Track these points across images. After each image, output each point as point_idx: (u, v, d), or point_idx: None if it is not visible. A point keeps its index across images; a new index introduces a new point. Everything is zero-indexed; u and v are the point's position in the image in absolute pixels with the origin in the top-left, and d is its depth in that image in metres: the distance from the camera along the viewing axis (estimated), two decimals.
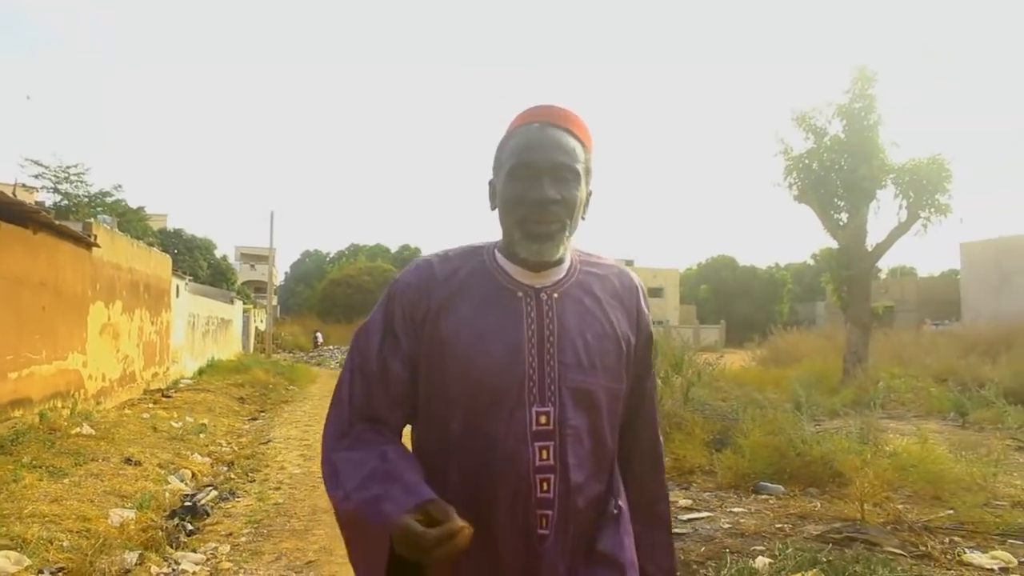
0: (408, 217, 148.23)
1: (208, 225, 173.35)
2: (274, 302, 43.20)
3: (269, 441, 10.33)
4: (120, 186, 30.07)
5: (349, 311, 48.24)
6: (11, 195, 9.47)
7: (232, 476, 7.88)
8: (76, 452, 7.52)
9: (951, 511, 5.76)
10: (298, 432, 11.22)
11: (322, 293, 56.05)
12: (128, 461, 7.56)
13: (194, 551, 5.17)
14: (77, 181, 28.08)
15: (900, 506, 5.91)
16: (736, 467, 6.96)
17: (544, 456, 1.45)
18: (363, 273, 54.53)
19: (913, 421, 11.22)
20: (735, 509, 6.10)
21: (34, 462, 6.84)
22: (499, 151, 1.58)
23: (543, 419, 1.46)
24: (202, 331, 21.55)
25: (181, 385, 16.01)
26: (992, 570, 4.45)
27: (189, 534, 5.61)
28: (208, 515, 6.14)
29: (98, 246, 11.32)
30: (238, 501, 6.79)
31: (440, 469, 1.49)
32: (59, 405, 9.58)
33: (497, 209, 1.55)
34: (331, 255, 73.29)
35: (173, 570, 4.72)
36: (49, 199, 27.08)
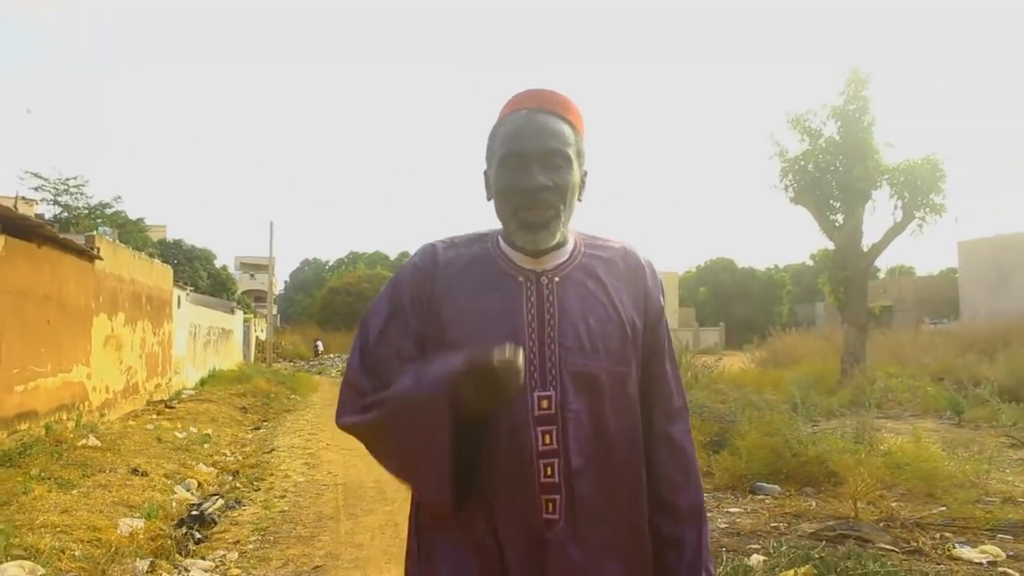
0: (407, 224, 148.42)
1: (207, 235, 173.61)
2: (274, 311, 43.31)
3: (273, 450, 10.45)
4: (120, 197, 30.27)
5: (349, 319, 48.32)
6: (12, 208, 9.58)
7: (237, 485, 7.99)
8: (83, 464, 7.63)
9: (943, 508, 5.87)
10: (301, 441, 11.33)
11: (322, 301, 56.16)
12: (135, 472, 7.68)
13: (203, 558, 5.29)
14: (77, 193, 28.26)
15: (894, 504, 6.02)
16: (733, 468, 7.07)
17: (547, 440, 1.45)
18: (362, 281, 54.62)
19: (909, 420, 11.37)
20: (732, 509, 6.22)
21: (43, 474, 6.95)
22: (490, 140, 1.58)
23: (544, 403, 1.46)
24: (203, 341, 21.65)
25: (184, 396, 16.11)
26: (981, 564, 4.57)
27: (197, 542, 5.73)
28: (215, 523, 6.26)
29: (101, 258, 11.44)
30: (244, 509, 6.90)
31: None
32: (64, 417, 9.68)
33: (492, 199, 1.56)
34: (330, 263, 73.57)
35: None
36: (49, 211, 27.23)
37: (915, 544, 4.94)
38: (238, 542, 5.77)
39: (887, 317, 40.66)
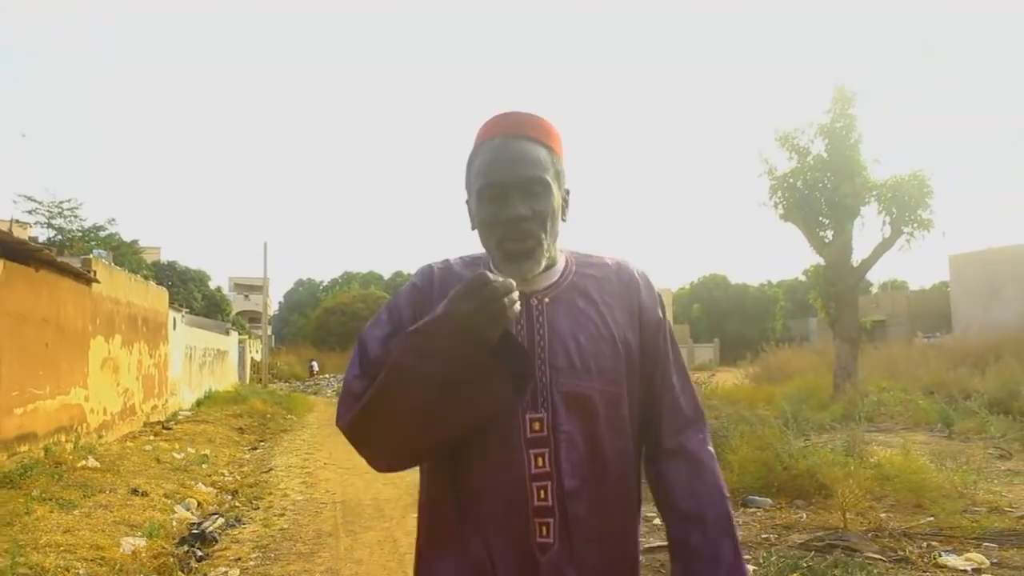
0: (401, 244, 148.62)
1: (201, 257, 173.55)
2: (269, 332, 43.32)
3: (271, 469, 10.53)
4: (114, 220, 30.45)
5: (344, 339, 48.37)
6: (10, 233, 9.69)
7: (237, 504, 8.08)
8: (83, 484, 7.71)
9: (931, 518, 6.00)
10: (299, 460, 11.41)
11: (316, 322, 56.19)
12: (135, 492, 7.76)
13: (205, 575, 5.38)
14: (71, 216, 28.35)
15: (883, 514, 6.15)
16: (726, 482, 7.16)
17: (540, 463, 1.43)
18: (357, 301, 54.72)
19: (901, 433, 11.50)
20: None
21: (43, 495, 7.03)
22: (467, 169, 1.57)
23: (536, 425, 1.44)
24: (199, 363, 21.71)
25: (180, 417, 16.16)
26: (965, 571, 4.69)
27: (199, 560, 5.83)
28: (216, 541, 6.35)
29: (98, 281, 11.54)
30: (244, 528, 7.00)
31: (435, 480, 1.53)
32: (63, 439, 9.75)
33: (476, 231, 1.56)
34: (324, 283, 73.65)
35: None
36: (43, 234, 27.31)
37: (902, 553, 5.07)
38: (239, 559, 5.87)
39: (880, 331, 40.83)
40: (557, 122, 1.58)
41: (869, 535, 5.51)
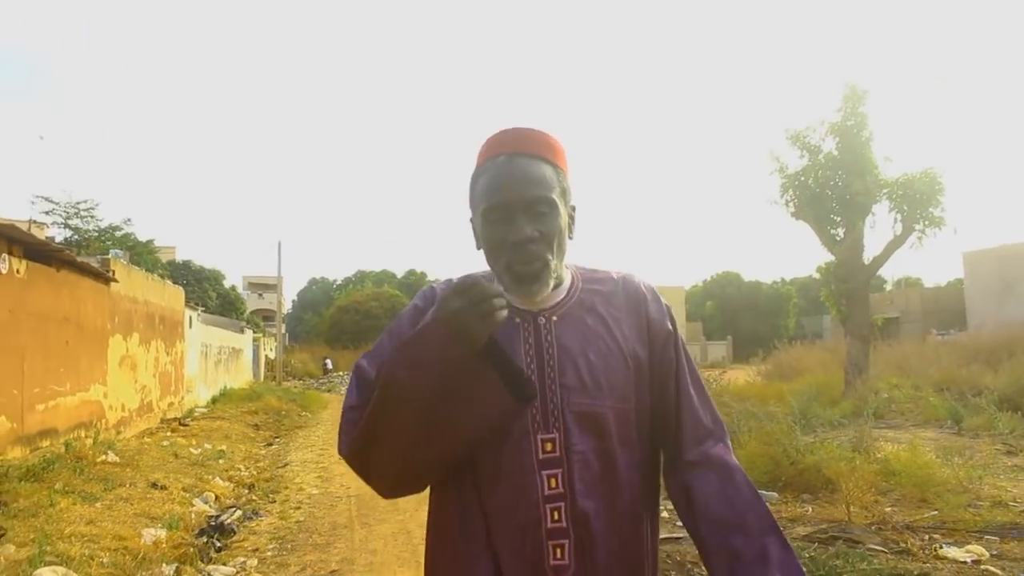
0: (414, 243, 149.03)
1: (216, 256, 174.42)
2: (283, 330, 43.63)
3: (286, 465, 10.71)
4: (130, 220, 30.72)
5: (357, 337, 48.67)
6: (33, 235, 9.89)
7: (254, 498, 8.26)
8: (104, 478, 7.89)
9: (935, 512, 6.09)
10: (314, 456, 11.59)
11: (330, 320, 56.48)
12: (154, 486, 7.95)
13: (224, 564, 5.55)
14: (87, 216, 28.67)
15: (887, 508, 6.25)
16: None
17: (553, 484, 1.41)
18: (370, 299, 54.97)
19: (910, 429, 11.56)
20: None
21: (66, 488, 7.21)
22: (471, 188, 1.54)
23: (548, 446, 1.42)
24: (214, 360, 21.95)
25: (196, 414, 16.39)
26: (965, 563, 4.79)
27: (218, 550, 6.00)
28: (235, 533, 6.53)
29: (116, 281, 11.75)
30: (261, 520, 7.16)
31: (442, 503, 1.50)
32: (83, 435, 9.96)
33: (482, 251, 1.53)
34: (338, 282, 73.97)
35: None
36: (59, 235, 27.63)
37: (904, 545, 5.17)
38: (257, 550, 6.04)
39: (894, 328, 40.68)
40: (562, 136, 1.55)
41: (872, 528, 5.61)
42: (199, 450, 10.86)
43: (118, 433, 11.42)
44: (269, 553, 5.94)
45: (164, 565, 5.16)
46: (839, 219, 17.85)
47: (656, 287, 1.64)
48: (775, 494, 7.06)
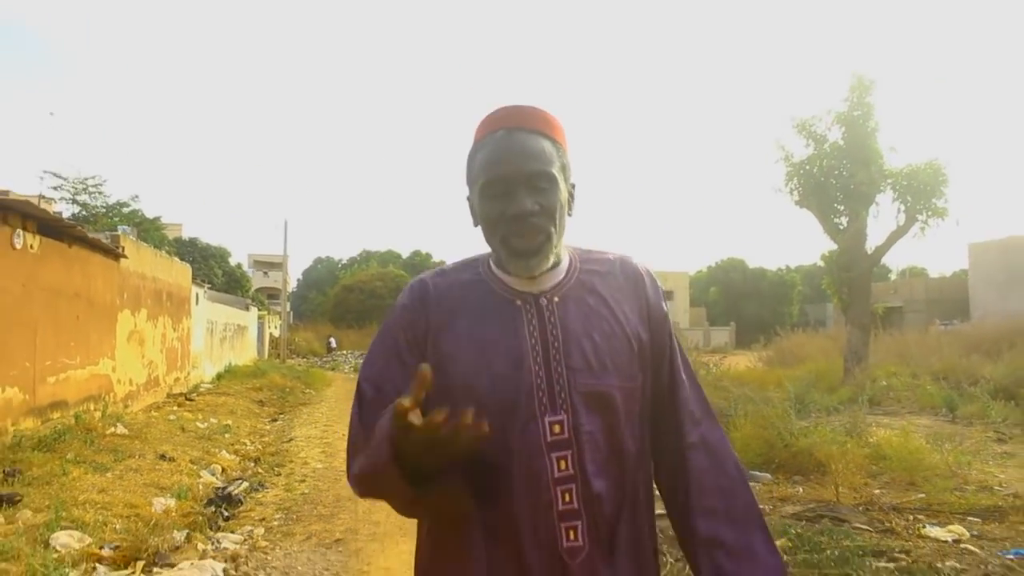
0: (419, 222, 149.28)
1: (222, 233, 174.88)
2: (287, 308, 43.84)
3: (291, 440, 10.91)
4: (137, 196, 30.83)
5: (361, 317, 48.94)
6: (47, 211, 10.06)
7: (259, 471, 8.46)
8: (114, 450, 8.11)
9: (923, 495, 6.26)
10: (318, 432, 11.79)
11: (334, 299, 56.66)
12: (163, 458, 8.16)
13: (232, 532, 5.74)
14: (95, 192, 28.81)
15: (876, 491, 6.44)
16: None
17: (563, 466, 1.40)
18: (375, 279, 55.12)
19: (906, 417, 11.73)
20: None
21: (77, 458, 7.42)
22: (469, 164, 1.52)
23: (557, 428, 1.40)
24: (220, 337, 22.17)
25: (201, 389, 16.62)
26: (946, 542, 4.97)
27: (226, 519, 6.20)
28: (242, 503, 6.73)
29: (126, 257, 11.93)
30: (267, 492, 7.37)
31: (456, 492, 1.42)
32: (92, 408, 10.17)
33: (480, 227, 1.51)
34: (343, 261, 74.11)
35: (216, 547, 5.28)
36: (67, 210, 27.78)
37: (889, 525, 5.35)
38: (263, 519, 6.24)
39: (898, 318, 40.79)
40: (561, 114, 1.53)
41: (860, 508, 5.79)
42: (205, 424, 11.07)
43: (125, 407, 11.64)
44: (275, 523, 6.15)
45: (175, 532, 5.35)
46: (843, 208, 17.96)
47: (661, 272, 1.68)
48: (768, 475, 7.24)
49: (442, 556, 1.48)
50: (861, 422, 8.43)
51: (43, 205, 21.60)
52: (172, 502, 6.30)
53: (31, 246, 8.48)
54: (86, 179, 28.30)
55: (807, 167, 18.00)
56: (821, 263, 19.48)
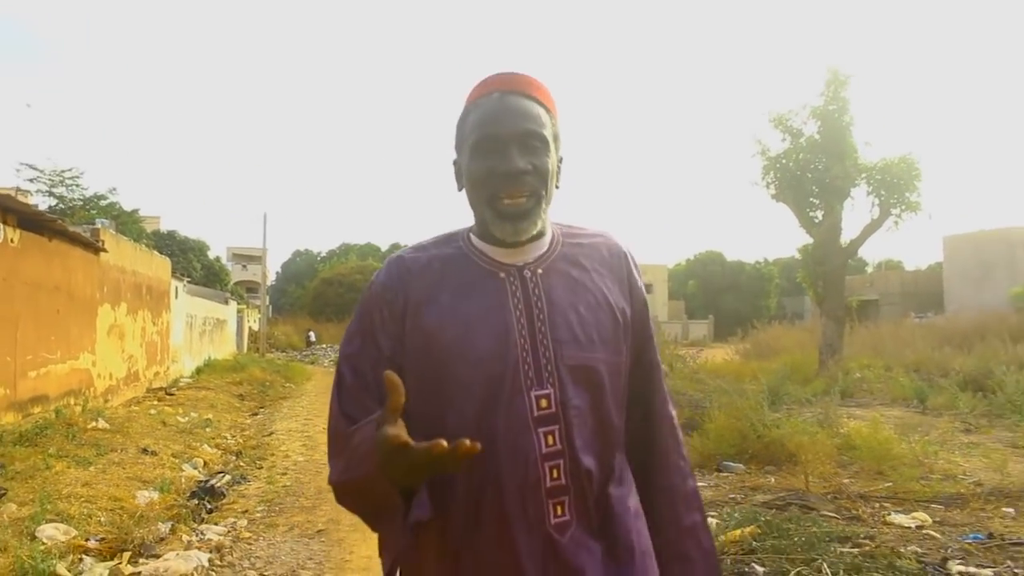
0: (399, 215, 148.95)
1: (200, 226, 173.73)
2: (266, 302, 43.72)
3: (272, 433, 11.00)
4: (115, 189, 30.66)
5: (341, 310, 48.91)
6: (27, 204, 10.06)
7: (241, 464, 8.54)
8: (96, 444, 8.16)
9: (890, 484, 6.45)
10: (298, 425, 11.88)
11: (313, 292, 56.59)
12: (145, 451, 8.22)
13: (216, 524, 5.84)
14: (72, 185, 28.59)
15: (845, 480, 6.62)
16: (702, 448, 7.65)
17: (550, 442, 1.37)
18: (354, 272, 55.06)
19: (878, 408, 11.97)
20: (697, 484, 6.79)
21: (60, 452, 7.48)
22: (460, 126, 1.49)
23: (544, 402, 1.38)
24: (199, 331, 22.13)
25: (181, 384, 16.63)
26: (910, 528, 5.16)
27: (209, 512, 6.29)
28: (224, 496, 6.82)
29: (106, 251, 11.93)
30: (250, 484, 7.47)
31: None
32: (72, 402, 10.19)
33: (465, 189, 1.48)
34: (322, 254, 73.94)
35: (201, 538, 5.38)
36: (44, 203, 27.57)
37: (856, 512, 5.53)
38: (246, 511, 6.34)
39: (874, 311, 41.27)
40: (552, 87, 1.52)
41: (828, 497, 5.97)
42: (186, 418, 11.12)
43: (106, 401, 11.66)
44: (258, 515, 6.25)
45: (160, 524, 5.45)
46: (818, 202, 18.22)
47: (639, 265, 1.62)
48: (741, 465, 7.42)
49: (424, 544, 1.40)
50: (833, 413, 8.63)
51: (19, 197, 21.51)
52: (155, 495, 6.38)
53: (12, 240, 8.50)
54: (63, 171, 28.09)
55: (783, 161, 18.24)
56: (799, 256, 19.74)
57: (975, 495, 6.05)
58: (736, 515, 5.22)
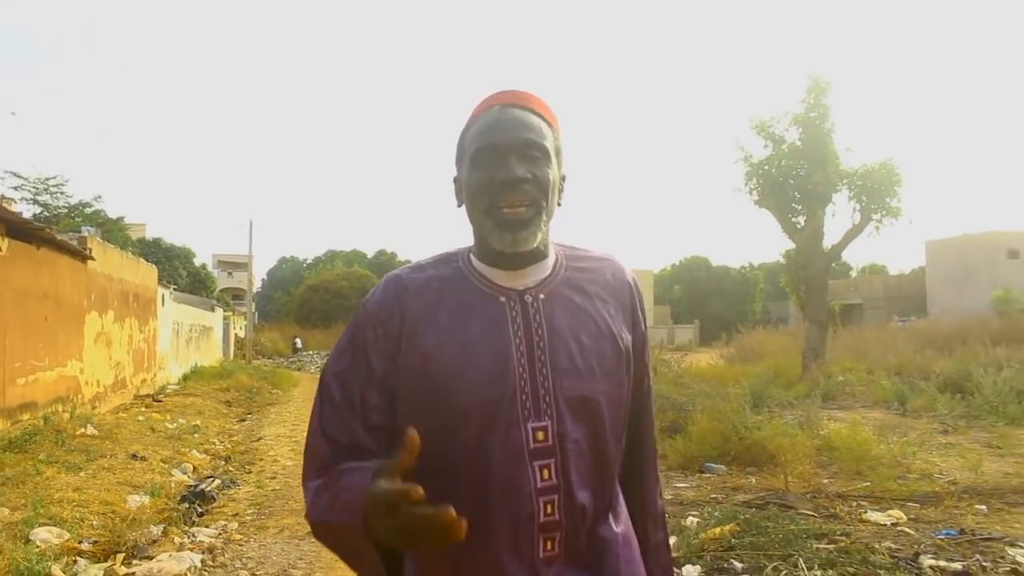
0: (385, 222, 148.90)
1: (186, 233, 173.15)
2: (252, 309, 43.63)
3: (260, 439, 11.07)
4: (100, 196, 30.55)
5: (327, 316, 48.89)
6: (16, 213, 10.11)
7: (230, 469, 8.63)
8: (85, 450, 8.23)
9: (868, 483, 6.61)
10: (286, 430, 11.95)
11: (300, 299, 56.49)
12: (134, 457, 8.29)
13: (207, 527, 5.93)
14: (57, 192, 28.51)
15: (825, 480, 6.79)
16: (685, 450, 7.79)
17: (546, 476, 1.31)
18: (340, 279, 55.04)
19: (859, 410, 12.15)
20: (679, 484, 6.95)
21: (50, 458, 7.55)
22: (461, 141, 1.45)
23: (540, 435, 1.32)
24: (186, 338, 22.14)
25: (168, 390, 16.66)
26: (885, 525, 5.31)
27: (200, 515, 6.38)
28: (215, 500, 6.92)
29: (93, 259, 11.98)
30: (239, 488, 7.55)
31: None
32: (60, 409, 10.24)
33: (464, 203, 1.43)
34: (308, 261, 73.78)
35: (192, 540, 5.48)
36: (28, 211, 27.48)
37: (833, 511, 5.68)
38: (237, 515, 6.44)
39: (857, 315, 41.63)
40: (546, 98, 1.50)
41: (807, 496, 6.13)
42: (174, 425, 11.18)
43: (93, 408, 11.70)
44: (248, 517, 6.35)
45: (152, 526, 5.54)
46: (800, 208, 18.47)
47: None
48: (723, 466, 7.56)
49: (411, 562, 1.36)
50: (814, 416, 8.79)
51: (4, 205, 21.51)
52: (146, 499, 6.46)
53: (0, 248, 8.56)
54: (47, 179, 28.02)
55: (766, 167, 18.48)
56: (783, 260, 19.99)
57: (950, 493, 6.23)
58: (717, 514, 5.36)
